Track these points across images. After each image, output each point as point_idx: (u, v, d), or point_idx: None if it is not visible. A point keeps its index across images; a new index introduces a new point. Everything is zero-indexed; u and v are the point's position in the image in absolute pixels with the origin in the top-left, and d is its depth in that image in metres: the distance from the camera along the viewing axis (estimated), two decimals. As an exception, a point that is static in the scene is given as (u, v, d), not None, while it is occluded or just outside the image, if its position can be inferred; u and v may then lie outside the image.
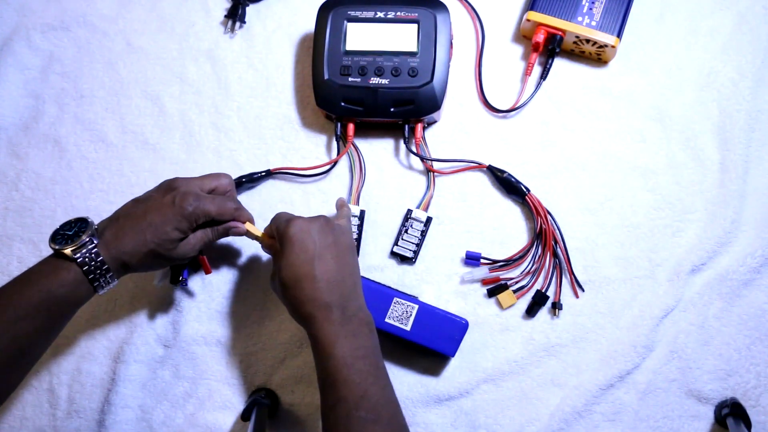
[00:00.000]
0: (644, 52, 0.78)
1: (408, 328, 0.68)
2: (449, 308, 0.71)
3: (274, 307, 0.73)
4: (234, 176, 0.76)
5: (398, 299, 0.68)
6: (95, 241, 0.60)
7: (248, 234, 0.68)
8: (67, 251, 0.59)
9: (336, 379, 0.57)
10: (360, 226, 0.74)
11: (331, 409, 0.57)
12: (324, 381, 0.58)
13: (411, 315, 0.68)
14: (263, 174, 0.76)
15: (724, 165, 0.74)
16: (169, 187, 0.65)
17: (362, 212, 0.74)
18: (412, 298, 0.69)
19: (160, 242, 0.62)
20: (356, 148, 0.77)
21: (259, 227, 0.75)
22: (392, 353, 0.71)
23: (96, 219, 0.76)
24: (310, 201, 0.76)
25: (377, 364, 0.59)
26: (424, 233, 0.74)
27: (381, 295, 0.68)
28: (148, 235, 0.61)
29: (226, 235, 0.68)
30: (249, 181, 0.76)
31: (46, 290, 0.58)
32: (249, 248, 0.75)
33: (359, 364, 0.57)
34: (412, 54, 0.74)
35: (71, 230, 0.61)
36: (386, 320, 0.68)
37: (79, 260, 0.59)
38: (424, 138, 0.77)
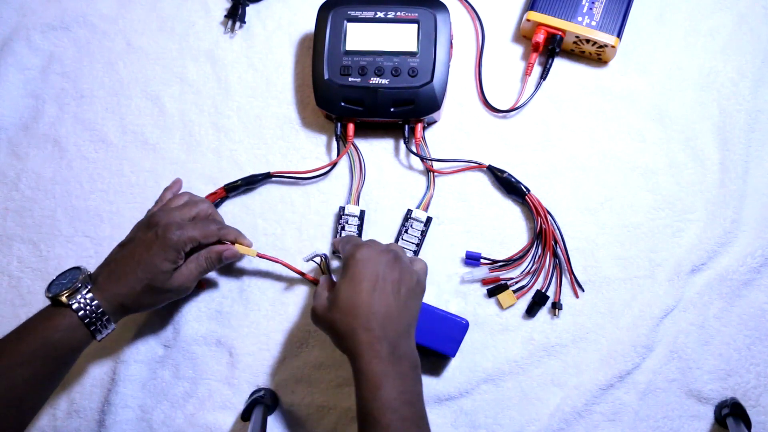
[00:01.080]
0: (644, 52, 0.78)
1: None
2: (449, 308, 0.71)
3: (273, 307, 0.73)
4: (234, 177, 0.76)
5: None
6: (89, 286, 0.61)
7: (240, 252, 0.69)
8: (62, 298, 0.60)
9: (379, 422, 0.54)
10: (360, 226, 0.74)
11: None
12: (364, 421, 0.56)
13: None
14: (261, 177, 0.76)
15: (724, 165, 0.74)
16: (149, 223, 0.65)
17: (362, 212, 0.74)
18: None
19: (153, 276, 0.63)
20: (356, 148, 0.77)
21: (260, 227, 0.75)
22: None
23: (96, 219, 0.77)
24: (310, 201, 0.76)
25: (421, 413, 0.57)
26: (424, 233, 0.74)
27: None
28: (139, 273, 0.62)
29: (221, 262, 0.68)
30: (247, 184, 0.76)
31: (42, 336, 0.59)
32: (249, 248, 0.75)
33: (404, 411, 0.55)
34: (412, 54, 0.74)
35: (65, 279, 0.63)
36: None
37: (74, 306, 0.60)
38: (424, 138, 0.77)
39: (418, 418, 0.57)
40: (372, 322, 0.57)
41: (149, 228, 0.65)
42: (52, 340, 0.59)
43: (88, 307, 0.60)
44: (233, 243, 0.69)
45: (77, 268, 0.64)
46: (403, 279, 0.60)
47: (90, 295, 0.61)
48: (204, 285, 0.71)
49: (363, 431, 0.56)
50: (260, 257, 0.71)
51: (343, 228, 0.73)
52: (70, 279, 0.62)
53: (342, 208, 0.74)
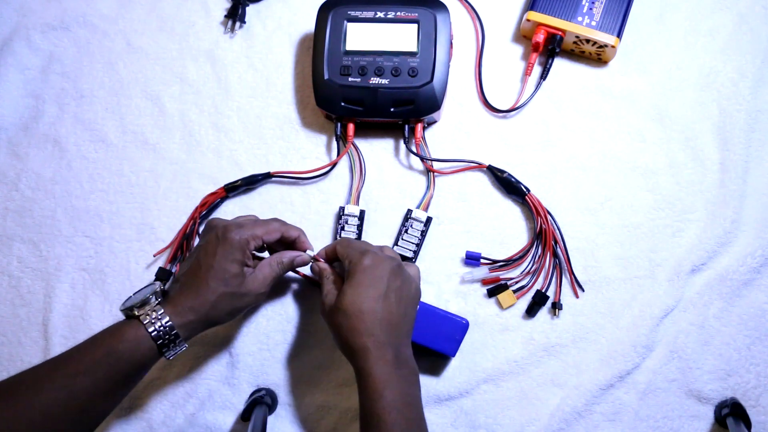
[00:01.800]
0: (644, 52, 0.78)
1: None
2: (449, 308, 0.71)
3: (273, 307, 0.73)
4: (234, 177, 0.76)
5: None
6: (159, 299, 0.60)
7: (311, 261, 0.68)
8: (134, 311, 0.59)
9: (384, 421, 0.56)
10: (360, 226, 0.74)
11: None
12: (369, 420, 0.57)
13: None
14: (261, 177, 0.76)
15: (724, 165, 0.74)
16: (207, 229, 0.64)
17: (362, 212, 0.74)
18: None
19: (224, 281, 0.61)
20: (356, 148, 0.77)
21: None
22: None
23: (96, 219, 0.77)
24: (310, 201, 0.76)
25: (421, 415, 0.59)
26: (424, 233, 0.74)
27: None
28: (211, 282, 0.60)
29: (292, 267, 0.67)
30: (247, 184, 0.76)
31: (108, 346, 0.58)
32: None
33: (407, 411, 0.57)
34: (412, 54, 0.74)
35: (140, 294, 0.62)
36: None
37: (140, 316, 0.59)
38: (424, 138, 0.77)
39: (419, 419, 0.58)
40: (377, 328, 0.59)
41: (208, 233, 0.63)
42: (117, 351, 0.57)
43: (157, 322, 0.58)
44: (296, 241, 0.67)
45: (153, 284, 0.63)
46: (404, 287, 0.62)
47: (159, 307, 0.59)
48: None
49: (367, 431, 0.57)
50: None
51: (342, 228, 0.73)
52: (144, 293, 0.61)
53: (342, 208, 0.74)
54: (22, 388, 0.56)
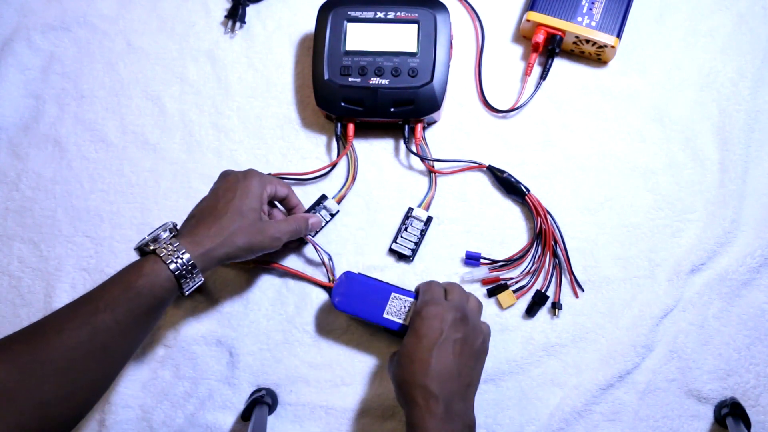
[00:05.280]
0: (644, 52, 0.78)
1: (406, 322, 0.68)
2: (449, 308, 0.71)
3: (273, 307, 0.73)
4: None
5: (396, 294, 0.68)
6: (172, 233, 0.61)
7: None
8: (149, 246, 0.59)
9: None
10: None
11: None
12: None
13: (408, 309, 0.68)
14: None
15: (724, 165, 0.74)
16: (225, 174, 0.67)
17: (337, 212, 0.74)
18: (409, 293, 0.69)
19: (243, 213, 0.62)
20: (353, 149, 0.76)
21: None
22: (393, 351, 0.71)
23: (96, 219, 0.77)
24: (311, 201, 0.76)
25: None
26: (423, 232, 0.74)
27: (380, 291, 0.68)
28: (231, 212, 0.62)
29: (307, 229, 0.69)
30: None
31: (126, 282, 0.58)
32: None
33: None
34: (412, 54, 0.74)
35: (152, 232, 0.62)
36: (384, 315, 0.68)
37: (157, 251, 0.59)
38: (424, 138, 0.77)
39: None
40: (428, 379, 0.58)
41: (226, 177, 0.66)
42: (135, 286, 0.57)
43: (174, 254, 0.58)
44: (294, 209, 0.71)
45: (165, 223, 0.63)
46: (467, 339, 0.61)
47: (174, 240, 0.59)
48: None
49: None
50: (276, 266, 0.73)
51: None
52: (156, 231, 0.61)
53: (323, 197, 0.75)
54: (43, 330, 0.55)
